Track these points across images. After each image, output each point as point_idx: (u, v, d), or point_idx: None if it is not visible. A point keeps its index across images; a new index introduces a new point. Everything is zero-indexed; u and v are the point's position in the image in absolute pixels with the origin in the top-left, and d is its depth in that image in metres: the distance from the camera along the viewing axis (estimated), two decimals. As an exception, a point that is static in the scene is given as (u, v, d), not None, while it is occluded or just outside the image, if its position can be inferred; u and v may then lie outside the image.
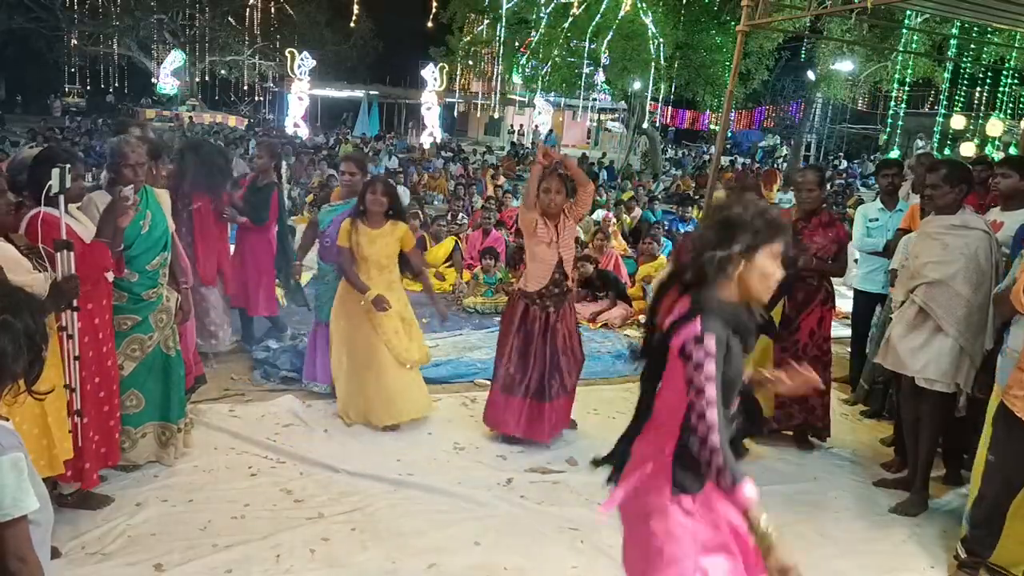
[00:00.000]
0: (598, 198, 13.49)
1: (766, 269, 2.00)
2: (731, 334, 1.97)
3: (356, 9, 24.84)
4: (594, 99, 27.65)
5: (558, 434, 4.60)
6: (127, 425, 3.68)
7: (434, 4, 22.35)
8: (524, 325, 4.37)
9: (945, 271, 3.71)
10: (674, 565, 1.99)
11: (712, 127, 29.96)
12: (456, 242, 8.90)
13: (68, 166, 2.99)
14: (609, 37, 19.04)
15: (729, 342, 1.95)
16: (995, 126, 17.24)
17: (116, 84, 33.34)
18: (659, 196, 15.65)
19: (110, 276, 3.38)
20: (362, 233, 4.45)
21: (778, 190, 15.36)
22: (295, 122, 29.01)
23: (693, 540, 1.99)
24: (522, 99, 31.85)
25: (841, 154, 34.53)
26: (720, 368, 1.91)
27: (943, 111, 21.41)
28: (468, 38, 24.80)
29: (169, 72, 31.70)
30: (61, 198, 2.93)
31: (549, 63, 21.03)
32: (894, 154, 21.54)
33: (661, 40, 19.13)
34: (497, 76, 27.17)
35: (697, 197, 14.67)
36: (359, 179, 4.89)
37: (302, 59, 29.01)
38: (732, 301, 2.02)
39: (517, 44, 22.00)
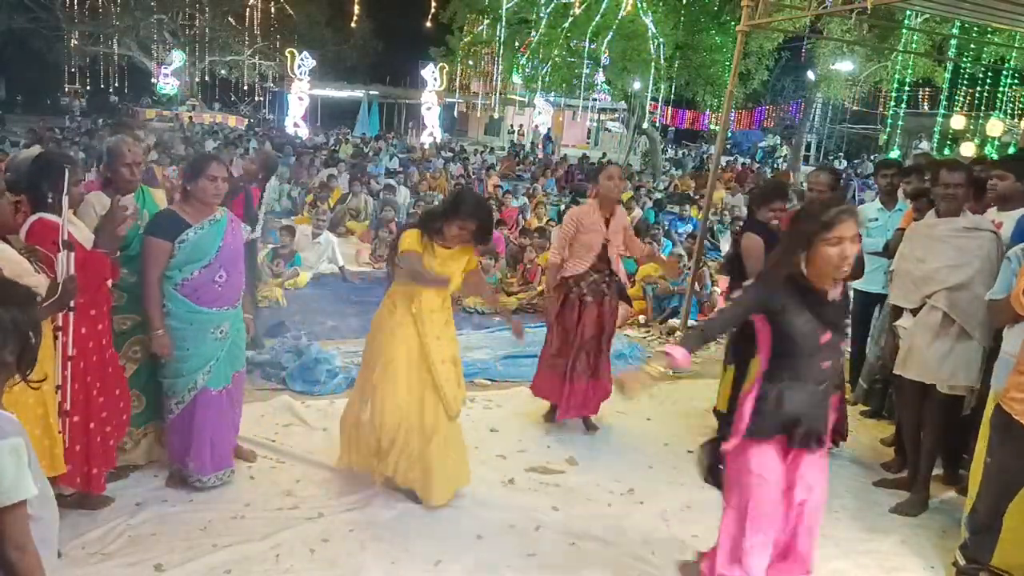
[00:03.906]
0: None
1: None
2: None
3: (356, 9, 24.82)
4: (594, 99, 27.64)
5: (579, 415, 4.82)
6: (129, 426, 3.67)
7: (434, 4, 22.34)
8: (563, 312, 4.61)
9: (965, 274, 3.69)
10: None
11: (712, 127, 29.94)
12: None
13: (69, 168, 3.00)
14: (609, 37, 19.03)
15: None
16: (995, 126, 17.25)
17: (116, 84, 33.32)
18: (662, 197, 15.63)
19: (109, 282, 3.38)
20: (434, 255, 3.59)
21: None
22: (295, 122, 29.01)
23: None
24: (522, 99, 31.82)
25: (841, 154, 34.55)
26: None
27: (943, 111, 21.42)
28: (468, 38, 24.79)
29: (169, 72, 31.72)
30: (65, 200, 2.92)
31: (549, 63, 21.01)
32: (894, 154, 21.57)
33: (661, 40, 19.12)
34: (497, 76, 27.15)
35: (697, 197, 14.67)
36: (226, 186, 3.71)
37: (302, 59, 29.01)
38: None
39: (517, 44, 21.98)
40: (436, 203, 13.53)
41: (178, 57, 31.71)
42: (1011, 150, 15.95)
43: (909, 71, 21.82)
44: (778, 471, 2.65)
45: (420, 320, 3.57)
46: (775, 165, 29.72)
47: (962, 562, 3.27)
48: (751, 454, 2.63)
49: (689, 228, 11.31)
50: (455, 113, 40.46)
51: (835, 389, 2.74)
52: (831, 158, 32.64)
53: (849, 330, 5.76)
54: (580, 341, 4.59)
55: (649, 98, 21.85)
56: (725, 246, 10.70)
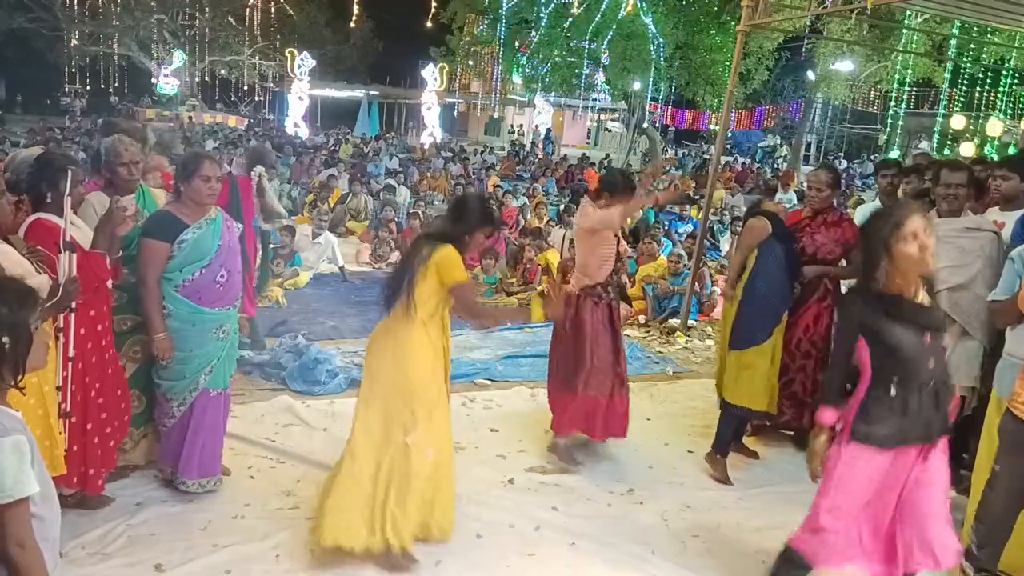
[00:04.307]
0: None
1: None
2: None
3: (356, 9, 24.82)
4: (594, 99, 27.66)
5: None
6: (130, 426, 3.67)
7: (434, 4, 22.36)
8: (594, 321, 4.26)
9: (966, 275, 3.69)
10: None
11: (712, 127, 29.96)
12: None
13: (72, 170, 2.99)
14: (609, 37, 19.03)
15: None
16: (995, 126, 17.25)
17: (116, 84, 33.33)
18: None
19: (109, 282, 3.37)
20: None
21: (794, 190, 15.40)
22: (295, 122, 29.01)
23: None
24: (522, 99, 31.84)
25: (841, 154, 34.57)
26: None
27: (943, 111, 21.44)
28: (468, 38, 24.80)
29: (169, 72, 31.74)
30: (68, 201, 2.91)
31: (549, 63, 21.02)
32: (894, 154, 21.57)
33: (661, 40, 19.12)
34: (497, 76, 27.17)
35: (697, 197, 14.68)
36: (220, 186, 3.60)
37: (302, 59, 29.00)
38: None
39: (517, 44, 21.98)
40: (436, 203, 13.56)
41: (178, 57, 31.71)
42: (1011, 150, 15.96)
43: (909, 71, 21.83)
44: (870, 476, 2.68)
45: (447, 336, 3.39)
46: (775, 165, 29.72)
47: (970, 571, 3.23)
48: (852, 454, 2.69)
49: (689, 228, 11.31)
50: (455, 113, 40.47)
51: (946, 386, 2.71)
52: (831, 158, 32.62)
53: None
54: (613, 346, 4.30)
55: (649, 98, 21.86)
56: (725, 246, 10.70)
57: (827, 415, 2.74)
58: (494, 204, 11.17)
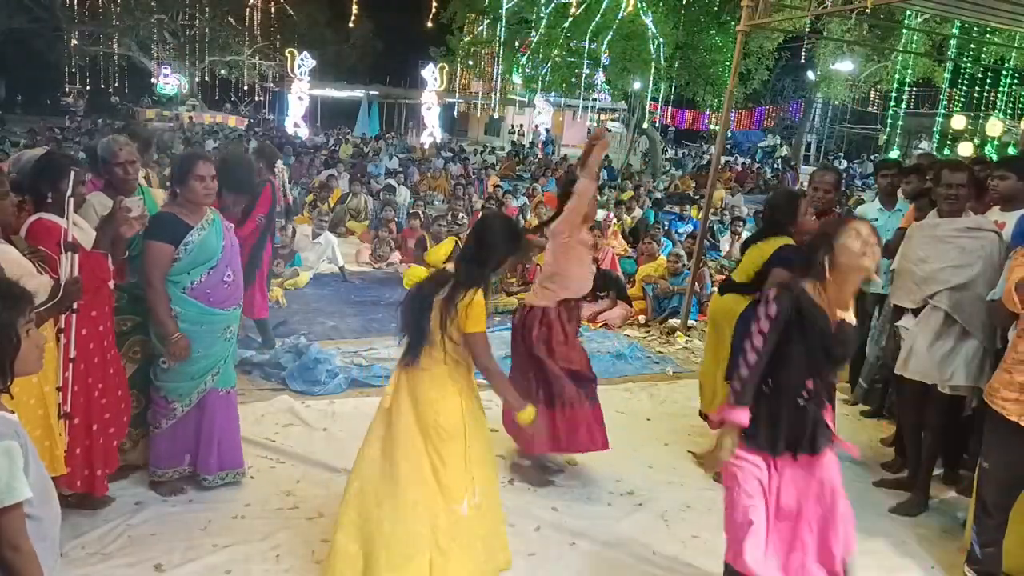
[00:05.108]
0: (599, 197, 13.50)
1: None
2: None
3: (356, 9, 24.79)
4: (594, 99, 27.64)
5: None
6: (129, 427, 3.67)
7: (434, 4, 22.33)
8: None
9: (967, 275, 3.68)
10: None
11: (712, 127, 29.97)
12: (456, 242, 8.90)
13: (75, 171, 3.00)
14: (609, 37, 19.02)
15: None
16: (995, 126, 17.25)
17: (116, 84, 33.36)
18: (662, 197, 15.64)
19: (111, 283, 3.36)
20: None
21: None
22: (295, 122, 29.03)
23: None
24: (522, 99, 31.83)
25: (841, 154, 34.58)
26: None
27: (943, 111, 21.44)
28: (468, 38, 24.78)
29: (169, 72, 31.82)
30: (71, 202, 2.91)
31: (549, 63, 21.01)
32: (894, 154, 21.59)
33: (661, 40, 19.11)
34: (497, 76, 27.14)
35: (697, 197, 14.69)
36: (216, 185, 3.52)
37: (302, 59, 29.02)
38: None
39: (517, 44, 21.97)
40: (435, 203, 13.54)
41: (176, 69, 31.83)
42: (1011, 150, 15.97)
43: (909, 71, 21.84)
44: (758, 476, 2.65)
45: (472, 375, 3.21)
46: (775, 165, 29.75)
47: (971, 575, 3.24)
48: (739, 455, 2.66)
49: (689, 228, 11.31)
50: (455, 113, 40.46)
51: (824, 402, 2.68)
52: (831, 158, 32.66)
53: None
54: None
55: (649, 98, 21.84)
56: (725, 246, 10.70)
57: (738, 415, 2.58)
58: (494, 204, 11.18)
